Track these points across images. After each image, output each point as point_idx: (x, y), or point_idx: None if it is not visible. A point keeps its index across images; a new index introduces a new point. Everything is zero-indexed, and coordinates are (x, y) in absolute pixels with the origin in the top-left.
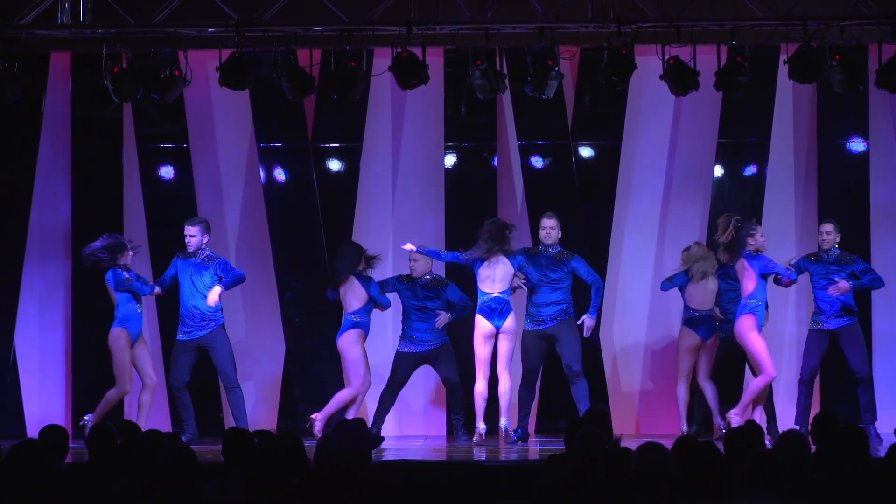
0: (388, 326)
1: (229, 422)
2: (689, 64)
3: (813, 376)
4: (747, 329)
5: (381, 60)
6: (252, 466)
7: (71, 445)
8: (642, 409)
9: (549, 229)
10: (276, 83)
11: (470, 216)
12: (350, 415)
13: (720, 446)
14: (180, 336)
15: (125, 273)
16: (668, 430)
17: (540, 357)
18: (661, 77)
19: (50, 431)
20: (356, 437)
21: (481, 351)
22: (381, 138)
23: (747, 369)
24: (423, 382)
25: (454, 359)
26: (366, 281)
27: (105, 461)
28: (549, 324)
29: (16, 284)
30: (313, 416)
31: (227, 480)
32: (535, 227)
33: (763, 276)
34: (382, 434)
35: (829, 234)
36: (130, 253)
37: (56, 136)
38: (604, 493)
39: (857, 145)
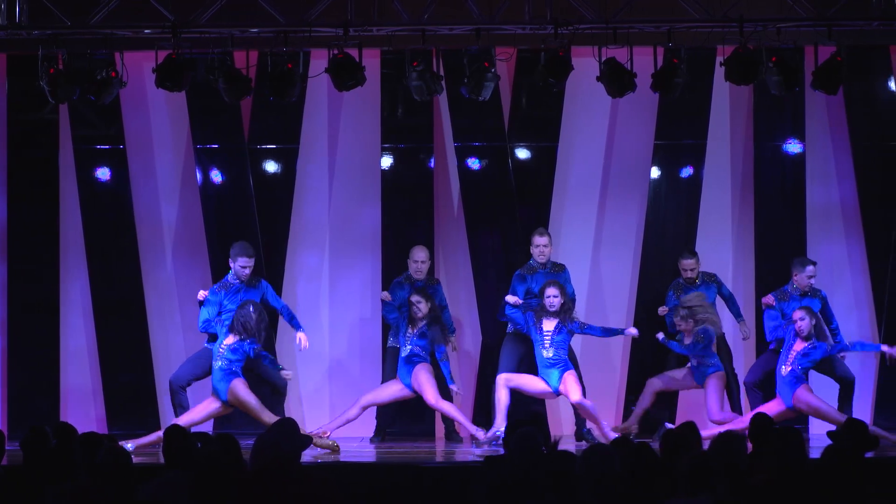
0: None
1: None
2: (626, 66)
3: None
4: None
5: (318, 62)
6: (192, 466)
7: (7, 447)
8: None
9: (543, 247)
10: (213, 85)
11: (406, 217)
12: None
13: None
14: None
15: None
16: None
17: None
18: (598, 79)
19: None
20: (288, 435)
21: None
22: (317, 140)
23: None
24: (360, 383)
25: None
26: None
27: (40, 463)
28: None
29: None
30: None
31: (168, 481)
32: (471, 229)
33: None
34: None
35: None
36: None
37: None
38: (543, 493)
39: (793, 147)
